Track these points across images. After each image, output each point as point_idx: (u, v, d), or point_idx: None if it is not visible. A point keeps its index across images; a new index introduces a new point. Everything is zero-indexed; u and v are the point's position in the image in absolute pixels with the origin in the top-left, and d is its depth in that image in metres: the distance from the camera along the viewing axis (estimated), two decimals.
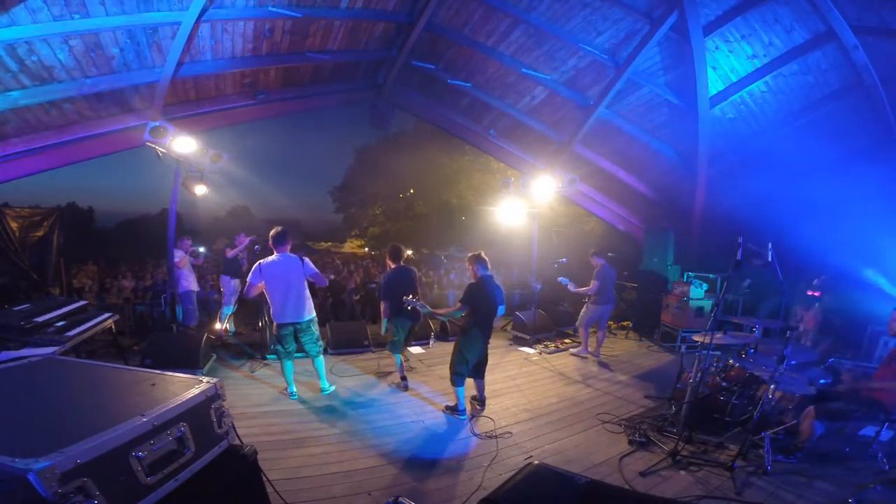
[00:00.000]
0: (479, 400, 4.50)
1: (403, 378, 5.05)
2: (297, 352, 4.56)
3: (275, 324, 4.45)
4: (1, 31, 4.41)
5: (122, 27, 5.03)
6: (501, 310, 4.49)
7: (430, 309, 4.46)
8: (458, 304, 4.30)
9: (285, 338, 4.40)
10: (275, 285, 4.28)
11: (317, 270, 4.49)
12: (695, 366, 3.92)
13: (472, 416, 4.29)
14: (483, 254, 4.44)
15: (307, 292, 4.45)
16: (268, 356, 5.74)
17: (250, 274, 4.29)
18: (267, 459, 3.07)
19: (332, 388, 4.81)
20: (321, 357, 4.64)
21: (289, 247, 4.46)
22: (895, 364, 3.52)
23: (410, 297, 4.44)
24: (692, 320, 7.05)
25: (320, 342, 4.62)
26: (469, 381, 4.39)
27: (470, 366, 4.28)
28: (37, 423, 1.57)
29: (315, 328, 4.55)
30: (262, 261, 4.32)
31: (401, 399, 4.72)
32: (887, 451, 3.26)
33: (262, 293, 4.36)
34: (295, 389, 4.59)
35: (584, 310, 6.59)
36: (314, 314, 4.55)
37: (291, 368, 4.56)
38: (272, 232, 4.46)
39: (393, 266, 5.04)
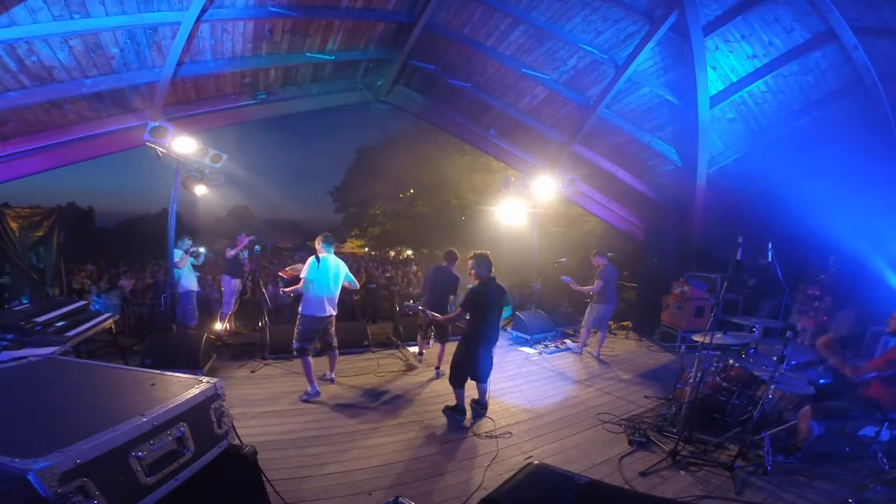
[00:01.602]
0: (481, 404, 4.41)
1: (420, 353, 5.93)
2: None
3: (304, 319, 4.60)
4: (1, 31, 4.41)
5: (122, 27, 5.03)
6: (507, 310, 4.48)
7: (431, 314, 4.57)
8: (459, 310, 4.24)
9: (316, 333, 4.67)
10: (324, 281, 4.63)
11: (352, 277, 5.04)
12: (695, 366, 3.92)
13: (473, 418, 4.28)
14: (489, 254, 4.29)
15: None
16: (268, 356, 5.75)
17: (305, 270, 4.53)
18: (267, 459, 3.07)
19: (332, 381, 5.06)
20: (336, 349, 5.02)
21: (332, 249, 4.83)
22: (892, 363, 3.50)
23: (412, 302, 4.61)
24: (692, 320, 7.05)
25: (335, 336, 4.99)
26: (471, 382, 4.35)
27: (470, 370, 4.23)
28: (37, 423, 1.58)
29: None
30: (317, 256, 4.60)
31: (401, 399, 4.72)
32: (887, 451, 3.25)
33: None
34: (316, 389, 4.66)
35: (588, 310, 6.61)
36: None
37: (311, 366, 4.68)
38: (320, 236, 4.80)
39: (443, 264, 5.64)
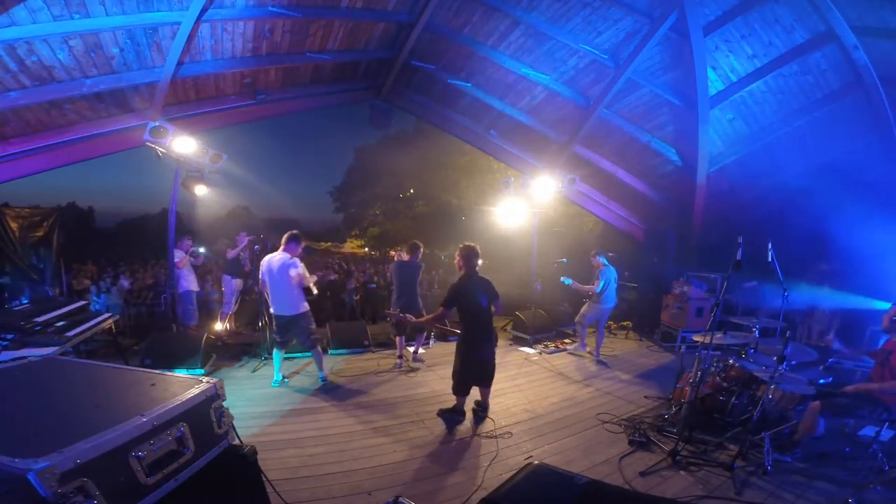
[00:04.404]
0: (482, 406, 4.34)
1: (400, 357, 5.74)
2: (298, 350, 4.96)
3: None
4: (1, 31, 4.41)
5: (122, 27, 5.03)
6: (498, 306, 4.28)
7: (413, 318, 4.54)
8: (440, 309, 4.04)
9: (278, 328, 4.91)
10: (268, 280, 4.82)
11: (299, 272, 4.68)
12: (695, 366, 3.92)
13: (473, 418, 4.27)
14: (476, 246, 4.16)
15: (294, 290, 4.78)
16: (269, 356, 5.74)
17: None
18: (267, 459, 3.07)
19: (322, 380, 5.04)
20: (314, 350, 4.96)
21: (296, 248, 4.84)
22: (889, 364, 3.51)
23: (393, 310, 4.74)
24: (692, 320, 7.05)
25: (312, 337, 4.91)
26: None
27: (469, 373, 4.15)
28: (37, 423, 1.57)
29: (304, 323, 4.88)
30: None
31: (401, 399, 4.72)
32: (887, 451, 3.25)
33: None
34: (279, 378, 4.96)
35: (584, 307, 6.55)
36: (302, 311, 4.85)
37: (280, 358, 5.00)
38: (285, 234, 4.88)
39: (405, 258, 5.77)
